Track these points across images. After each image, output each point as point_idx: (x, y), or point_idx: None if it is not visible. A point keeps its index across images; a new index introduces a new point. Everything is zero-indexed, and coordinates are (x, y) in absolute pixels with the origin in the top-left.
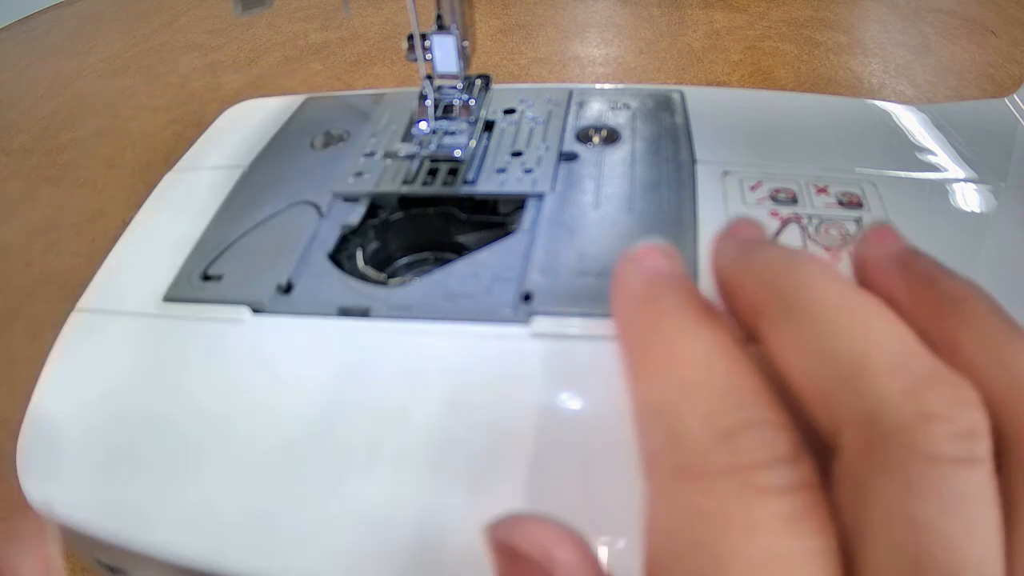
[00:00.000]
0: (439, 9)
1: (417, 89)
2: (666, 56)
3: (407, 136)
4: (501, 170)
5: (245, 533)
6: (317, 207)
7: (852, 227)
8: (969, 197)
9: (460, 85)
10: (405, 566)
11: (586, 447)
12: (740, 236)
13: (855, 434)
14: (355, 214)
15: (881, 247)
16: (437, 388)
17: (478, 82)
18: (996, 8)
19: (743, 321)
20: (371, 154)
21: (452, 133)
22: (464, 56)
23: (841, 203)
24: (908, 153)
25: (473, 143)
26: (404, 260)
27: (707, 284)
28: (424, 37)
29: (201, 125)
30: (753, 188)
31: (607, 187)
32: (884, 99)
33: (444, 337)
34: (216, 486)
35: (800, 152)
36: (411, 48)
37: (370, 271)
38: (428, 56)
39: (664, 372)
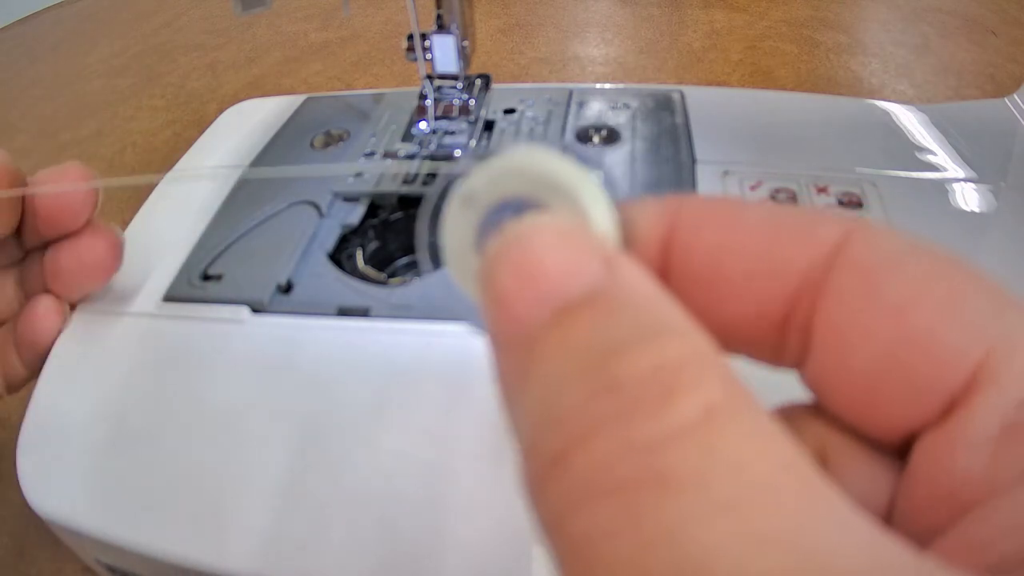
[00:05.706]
0: (439, 9)
1: (417, 89)
2: (666, 56)
3: (407, 136)
4: None
5: (247, 533)
6: (317, 207)
7: None
8: (969, 197)
9: (460, 85)
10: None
11: None
12: None
13: None
14: (355, 214)
15: None
16: (436, 387)
17: (478, 82)
18: (996, 8)
19: None
20: (371, 154)
21: (452, 133)
22: (464, 56)
23: (841, 203)
24: (908, 153)
25: (473, 143)
26: (404, 260)
27: None
28: (424, 37)
29: (201, 125)
30: (753, 188)
31: (607, 187)
32: (884, 99)
33: (444, 337)
34: (216, 486)
35: (800, 152)
36: (411, 48)
37: (370, 271)
38: (428, 56)
39: None
